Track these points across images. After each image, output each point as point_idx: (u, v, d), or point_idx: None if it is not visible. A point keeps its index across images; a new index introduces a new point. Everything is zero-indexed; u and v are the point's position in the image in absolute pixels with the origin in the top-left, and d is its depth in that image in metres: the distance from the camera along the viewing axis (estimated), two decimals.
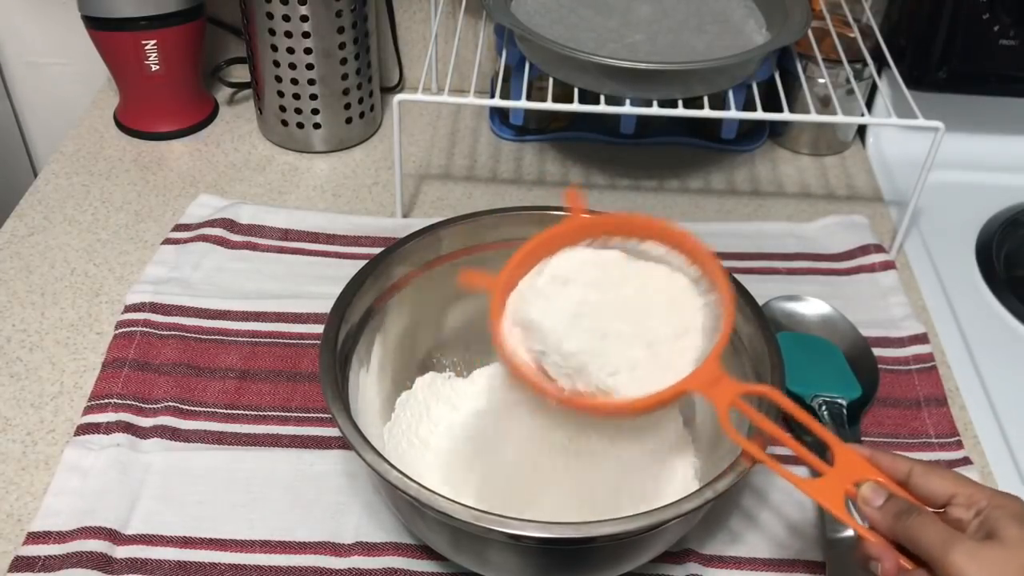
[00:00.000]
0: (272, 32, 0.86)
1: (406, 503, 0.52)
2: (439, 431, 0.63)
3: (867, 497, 0.49)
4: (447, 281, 0.66)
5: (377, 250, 0.65)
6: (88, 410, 0.67)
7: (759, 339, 0.60)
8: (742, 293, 0.62)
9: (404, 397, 0.66)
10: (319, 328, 0.60)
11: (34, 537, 0.60)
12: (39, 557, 0.59)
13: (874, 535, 0.49)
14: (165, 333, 0.73)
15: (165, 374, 0.70)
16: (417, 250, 0.65)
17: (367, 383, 0.62)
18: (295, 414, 0.69)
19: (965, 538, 0.46)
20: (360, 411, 0.59)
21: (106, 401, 0.67)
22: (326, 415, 0.68)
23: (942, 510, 0.49)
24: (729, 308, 0.54)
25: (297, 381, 0.71)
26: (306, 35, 0.86)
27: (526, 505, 0.57)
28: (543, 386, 0.54)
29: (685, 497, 0.51)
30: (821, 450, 0.52)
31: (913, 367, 0.73)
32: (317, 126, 0.92)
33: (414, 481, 0.51)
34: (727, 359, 0.62)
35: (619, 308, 0.56)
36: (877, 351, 0.73)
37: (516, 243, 0.63)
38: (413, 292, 0.66)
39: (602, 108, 0.77)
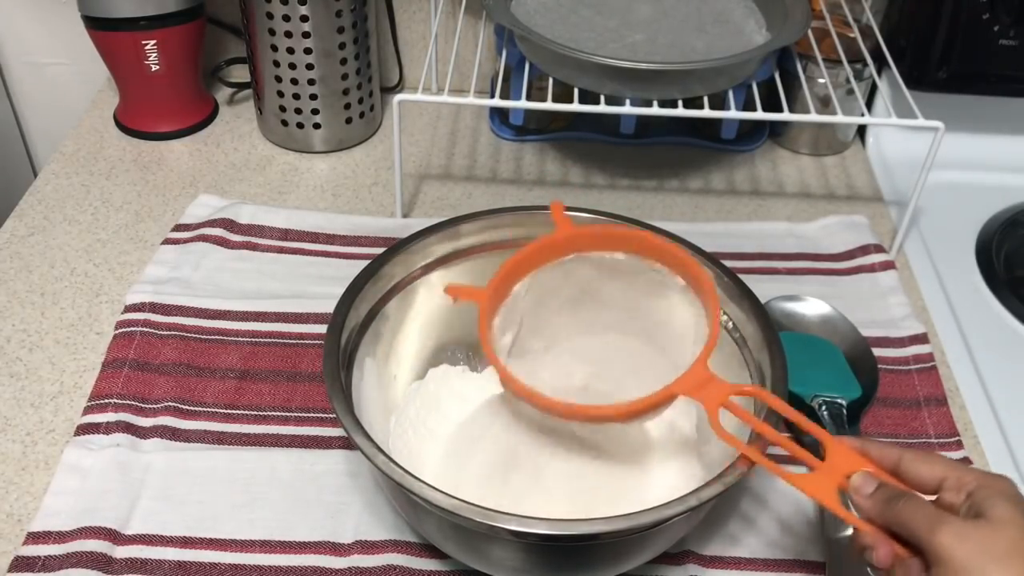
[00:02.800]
0: (272, 32, 0.86)
1: (402, 495, 0.52)
2: (448, 423, 0.63)
3: (858, 486, 0.49)
4: (461, 276, 0.66)
5: (378, 250, 0.65)
6: (88, 410, 0.67)
7: (761, 339, 0.60)
8: (745, 293, 0.62)
9: (415, 386, 0.65)
10: (319, 328, 0.60)
11: (34, 537, 0.60)
12: (39, 557, 0.59)
13: (868, 525, 0.49)
14: (165, 333, 0.73)
15: (165, 374, 0.70)
16: (431, 244, 0.65)
17: (373, 373, 0.62)
18: (295, 414, 0.68)
19: (952, 518, 0.45)
20: (364, 398, 0.59)
21: (106, 401, 0.67)
22: (326, 415, 0.68)
23: (935, 496, 0.49)
24: (715, 312, 0.55)
25: (297, 381, 0.71)
26: (306, 35, 0.86)
27: (524, 498, 0.57)
28: (537, 398, 0.54)
29: (690, 493, 0.51)
30: (817, 447, 0.52)
31: (913, 367, 0.73)
32: (317, 126, 0.92)
33: (399, 466, 0.51)
34: (730, 359, 0.62)
35: (614, 324, 0.57)
36: (877, 351, 0.73)
37: (526, 242, 0.63)
38: (426, 286, 0.66)
39: (602, 108, 0.77)
